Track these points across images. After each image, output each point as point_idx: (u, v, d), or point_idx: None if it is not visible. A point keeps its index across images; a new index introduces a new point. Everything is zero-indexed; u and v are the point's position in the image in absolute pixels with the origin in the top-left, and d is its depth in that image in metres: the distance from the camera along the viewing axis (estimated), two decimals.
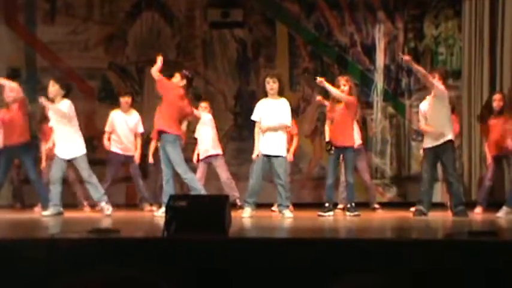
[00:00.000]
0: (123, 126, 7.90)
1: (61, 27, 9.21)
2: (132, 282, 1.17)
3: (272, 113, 6.75)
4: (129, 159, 7.97)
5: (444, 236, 4.40)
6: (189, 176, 6.87)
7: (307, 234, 5.16)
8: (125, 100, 7.97)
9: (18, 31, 9.26)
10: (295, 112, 8.30)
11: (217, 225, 4.26)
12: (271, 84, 6.79)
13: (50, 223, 6.23)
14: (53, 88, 6.91)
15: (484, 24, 8.49)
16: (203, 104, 7.89)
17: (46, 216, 6.71)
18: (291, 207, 7.46)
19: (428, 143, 6.81)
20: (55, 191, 6.81)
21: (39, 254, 3.69)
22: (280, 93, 6.82)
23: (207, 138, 7.74)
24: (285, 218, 6.55)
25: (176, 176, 6.94)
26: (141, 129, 8.00)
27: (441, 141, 6.68)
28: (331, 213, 7.00)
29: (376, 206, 7.97)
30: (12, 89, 7.15)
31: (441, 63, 8.91)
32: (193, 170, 7.35)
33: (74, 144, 6.84)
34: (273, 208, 7.55)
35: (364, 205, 7.64)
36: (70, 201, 7.20)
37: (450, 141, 6.69)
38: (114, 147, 7.92)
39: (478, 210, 7.35)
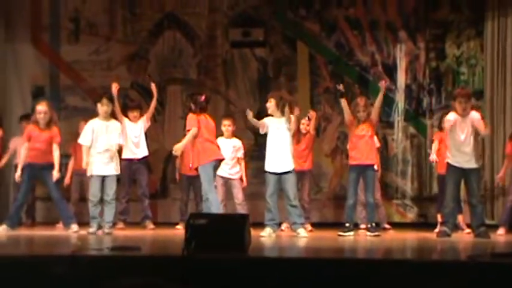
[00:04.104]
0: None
1: (84, 47, 9.32)
2: None
3: (274, 130, 6.81)
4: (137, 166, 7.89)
5: (466, 257, 4.35)
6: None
7: (327, 254, 5.13)
8: (133, 114, 7.94)
9: (42, 50, 9.39)
10: (316, 131, 8.28)
11: (237, 244, 4.26)
12: (268, 104, 6.89)
13: (71, 240, 6.26)
14: (109, 107, 7.16)
15: (507, 44, 8.44)
16: (226, 122, 7.83)
17: (76, 231, 6.86)
18: (308, 226, 7.45)
19: (456, 162, 6.76)
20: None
21: (61, 271, 3.71)
22: (282, 111, 6.84)
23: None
24: (300, 237, 6.53)
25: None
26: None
27: (476, 165, 6.72)
28: (351, 233, 6.96)
29: (387, 226, 7.93)
30: (48, 110, 7.22)
31: (463, 83, 8.85)
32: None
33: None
34: (282, 227, 7.48)
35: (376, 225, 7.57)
36: (86, 219, 7.26)
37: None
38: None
39: (501, 231, 7.27)
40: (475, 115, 6.80)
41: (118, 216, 7.73)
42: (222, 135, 7.69)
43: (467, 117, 6.77)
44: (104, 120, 7.17)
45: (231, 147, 7.69)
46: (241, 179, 7.74)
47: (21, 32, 9.27)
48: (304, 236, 6.56)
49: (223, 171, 7.55)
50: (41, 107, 7.27)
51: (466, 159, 6.71)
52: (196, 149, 6.76)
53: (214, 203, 6.67)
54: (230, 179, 7.69)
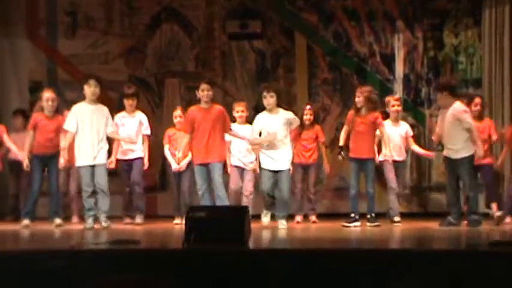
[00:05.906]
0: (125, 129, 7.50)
1: (81, 41, 9.31)
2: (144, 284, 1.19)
3: (272, 127, 6.77)
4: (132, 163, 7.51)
5: (466, 246, 4.36)
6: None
7: (327, 245, 5.14)
8: (129, 103, 7.61)
9: (39, 45, 9.37)
10: (316, 122, 8.28)
11: (237, 236, 4.27)
12: (268, 99, 6.85)
13: (71, 234, 6.27)
14: (96, 88, 6.86)
15: (505, 32, 8.43)
16: (239, 108, 7.47)
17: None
18: (313, 217, 7.51)
19: (447, 152, 6.76)
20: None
21: (61, 265, 3.72)
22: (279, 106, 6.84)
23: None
24: (280, 227, 6.65)
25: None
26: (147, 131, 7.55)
27: (462, 155, 6.66)
28: (357, 223, 6.97)
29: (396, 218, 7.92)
30: (56, 97, 7.05)
31: (461, 72, 8.86)
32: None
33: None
34: (297, 219, 7.55)
35: (383, 215, 7.58)
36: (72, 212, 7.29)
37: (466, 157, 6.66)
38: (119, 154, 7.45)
39: (508, 220, 7.26)
40: (456, 107, 6.67)
41: (129, 210, 7.65)
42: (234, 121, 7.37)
43: (448, 109, 6.71)
44: (91, 104, 6.85)
45: (246, 135, 7.18)
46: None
47: (17, 27, 9.25)
48: (283, 227, 6.67)
49: (238, 160, 7.35)
50: (49, 94, 7.02)
51: (452, 151, 6.69)
52: (219, 143, 6.72)
53: (225, 199, 6.65)
54: (244, 169, 7.36)
